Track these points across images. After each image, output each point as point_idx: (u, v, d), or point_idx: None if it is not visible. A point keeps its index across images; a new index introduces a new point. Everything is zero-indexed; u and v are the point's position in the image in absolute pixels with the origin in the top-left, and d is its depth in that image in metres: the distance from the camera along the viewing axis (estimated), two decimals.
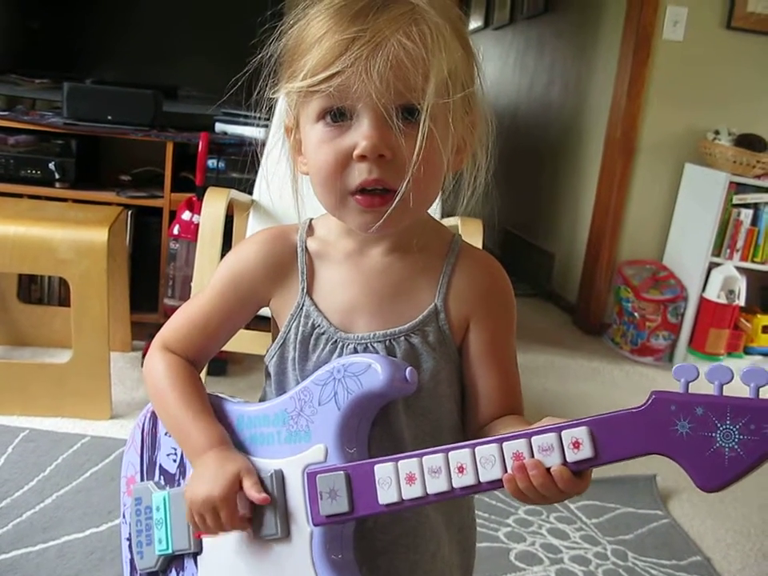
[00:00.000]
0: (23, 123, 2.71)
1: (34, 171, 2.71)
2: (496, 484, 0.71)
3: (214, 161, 2.74)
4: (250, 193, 2.32)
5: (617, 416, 0.68)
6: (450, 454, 0.73)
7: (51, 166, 2.70)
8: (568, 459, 0.69)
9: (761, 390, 0.63)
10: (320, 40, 0.75)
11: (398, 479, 0.74)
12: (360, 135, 0.74)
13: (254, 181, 2.35)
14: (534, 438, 0.70)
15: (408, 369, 0.78)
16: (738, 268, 3.37)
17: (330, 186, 0.79)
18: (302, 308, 0.86)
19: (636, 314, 3.50)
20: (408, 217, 0.79)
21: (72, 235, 2.19)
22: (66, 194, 2.72)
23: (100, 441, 2.13)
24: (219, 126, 2.83)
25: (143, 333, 2.80)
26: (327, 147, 0.77)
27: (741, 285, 3.36)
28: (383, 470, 0.75)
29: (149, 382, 0.92)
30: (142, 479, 0.93)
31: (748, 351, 3.55)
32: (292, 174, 0.89)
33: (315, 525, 0.78)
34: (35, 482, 1.90)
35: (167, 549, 0.88)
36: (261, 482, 0.80)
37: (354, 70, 0.72)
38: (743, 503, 2.27)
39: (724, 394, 0.65)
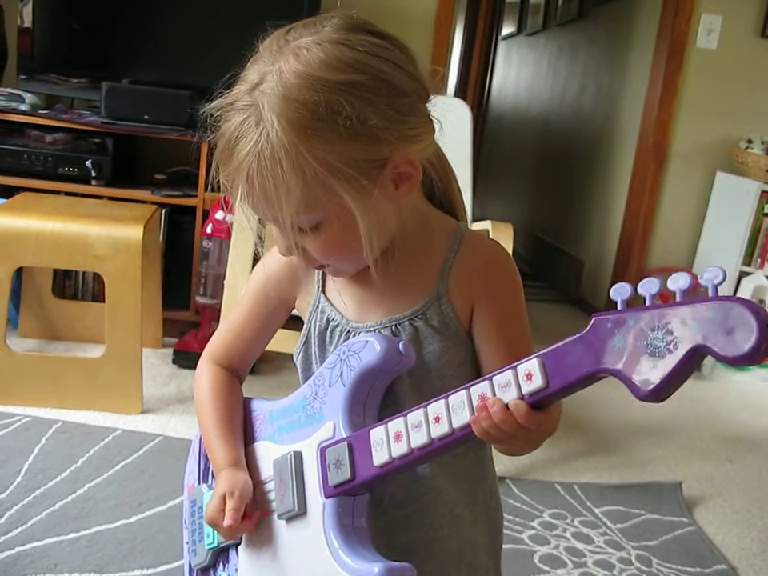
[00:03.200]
0: (62, 122, 2.76)
1: (71, 169, 2.76)
2: (467, 429, 0.74)
3: None
4: None
5: (564, 344, 0.70)
6: (428, 406, 0.76)
7: (88, 163, 2.74)
8: (523, 392, 0.71)
9: (684, 291, 0.65)
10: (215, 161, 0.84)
11: (388, 439, 0.78)
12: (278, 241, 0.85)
13: None
14: (494, 378, 0.73)
15: (401, 342, 0.82)
16: None
17: None
18: (318, 305, 0.92)
19: None
20: (361, 264, 0.85)
21: (108, 232, 2.23)
22: (102, 191, 2.76)
23: (131, 434, 2.16)
24: None
25: (175, 330, 2.85)
26: (273, 233, 0.86)
27: None
28: (377, 433, 0.78)
29: (194, 393, 1.01)
30: (198, 482, 1.00)
31: None
32: None
33: (326, 497, 0.81)
34: (68, 472, 1.93)
35: (213, 542, 0.93)
36: (281, 463, 0.86)
37: (238, 204, 0.82)
38: None
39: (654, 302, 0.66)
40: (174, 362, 2.69)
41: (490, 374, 0.74)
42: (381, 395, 0.85)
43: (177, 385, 2.54)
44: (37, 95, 2.87)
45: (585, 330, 0.69)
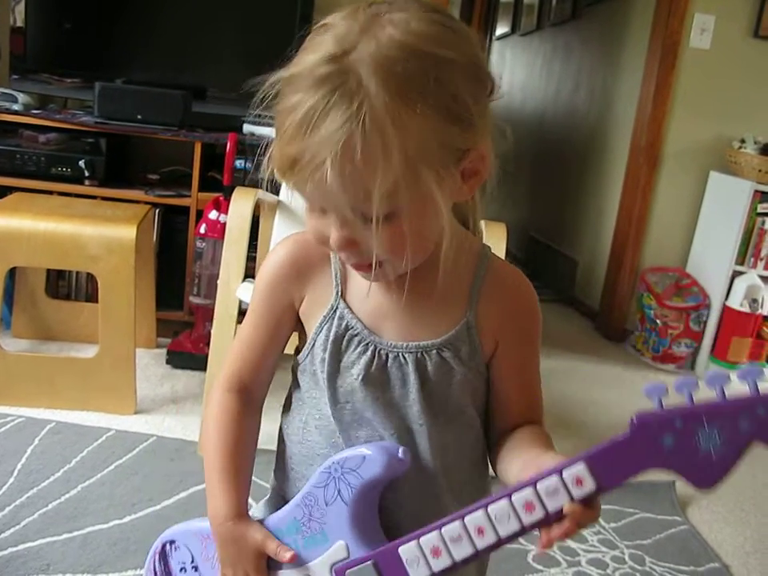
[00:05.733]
0: (55, 121, 2.75)
1: (64, 169, 2.75)
2: (517, 535, 0.74)
3: (242, 161, 2.77)
4: (277, 193, 2.35)
5: (608, 447, 0.73)
6: (466, 519, 0.74)
7: (81, 163, 2.73)
8: (575, 496, 0.72)
9: (725, 389, 0.71)
10: (277, 141, 0.75)
11: (424, 555, 0.76)
12: (330, 227, 0.76)
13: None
14: (539, 485, 0.72)
15: (400, 449, 0.80)
16: (761, 277, 3.36)
17: (322, 247, 0.81)
18: (335, 310, 0.86)
19: (658, 321, 3.49)
20: (405, 268, 0.78)
21: (101, 232, 2.23)
22: (95, 191, 2.75)
23: (124, 435, 2.16)
24: (247, 127, 2.86)
25: (168, 330, 2.84)
26: (312, 225, 0.79)
27: (764, 294, 3.35)
28: (408, 551, 0.76)
29: (206, 419, 0.95)
30: None
31: None
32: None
33: None
34: (61, 473, 1.93)
35: None
36: None
37: (304, 186, 0.73)
38: (763, 511, 2.27)
39: (695, 401, 0.71)
40: (167, 362, 2.68)
41: (531, 480, 0.73)
42: (378, 498, 0.83)
43: (170, 385, 2.53)
44: (30, 95, 2.87)
45: (629, 432, 0.73)
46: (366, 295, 0.84)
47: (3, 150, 2.73)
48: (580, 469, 0.71)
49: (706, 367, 3.48)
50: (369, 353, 0.84)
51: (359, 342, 0.85)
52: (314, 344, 0.87)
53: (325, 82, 0.70)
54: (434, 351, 0.84)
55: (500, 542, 0.74)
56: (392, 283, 0.84)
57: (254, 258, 2.40)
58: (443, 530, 0.75)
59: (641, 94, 3.71)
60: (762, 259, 3.37)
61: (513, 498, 0.73)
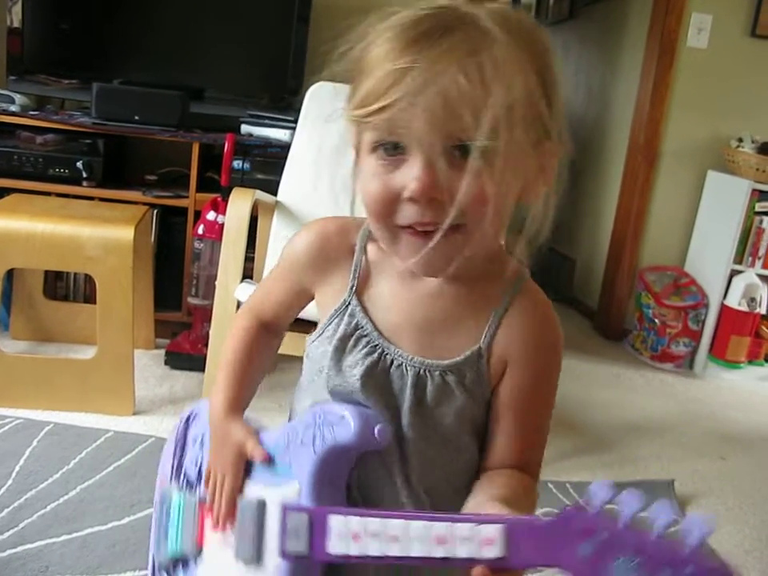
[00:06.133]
0: (52, 122, 2.75)
1: (61, 170, 2.75)
2: (421, 560, 0.69)
3: (240, 162, 2.77)
4: (275, 194, 2.35)
5: (535, 521, 0.66)
6: (389, 521, 0.70)
7: (79, 164, 2.73)
8: (476, 555, 0.66)
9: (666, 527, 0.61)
10: (375, 66, 0.71)
11: (347, 534, 0.72)
12: (410, 176, 0.71)
13: (279, 182, 2.38)
14: (456, 525, 0.67)
15: (378, 426, 0.78)
16: (759, 276, 3.37)
17: (380, 221, 0.76)
18: (347, 305, 0.85)
19: (657, 320, 3.49)
20: (466, 254, 0.75)
21: (99, 233, 2.22)
22: (93, 192, 2.75)
23: (123, 436, 2.16)
24: (245, 128, 2.86)
25: (167, 331, 2.84)
26: (378, 183, 0.74)
27: (762, 292, 3.35)
28: (336, 522, 0.73)
29: (227, 339, 0.97)
30: (170, 480, 0.98)
31: None
32: (352, 193, 0.83)
33: (282, 557, 0.77)
34: (59, 474, 1.93)
35: (177, 548, 0.92)
36: (246, 507, 0.84)
37: (404, 104, 0.68)
38: (762, 510, 2.27)
39: (631, 522, 0.62)
40: (165, 362, 2.68)
41: (454, 516, 0.69)
42: (351, 466, 0.82)
43: (169, 386, 2.53)
44: (27, 96, 2.86)
45: (557, 518, 0.65)
46: (387, 299, 0.84)
47: (1, 151, 2.73)
48: (497, 529, 0.65)
49: (705, 366, 3.48)
50: (375, 355, 0.83)
51: (367, 343, 0.83)
52: (321, 334, 0.86)
53: (434, 18, 0.70)
54: (438, 372, 0.81)
55: (404, 558, 0.69)
56: (411, 295, 0.82)
57: (252, 258, 2.40)
58: (368, 519, 0.71)
59: (638, 93, 3.71)
60: (760, 258, 3.38)
61: (433, 523, 0.68)
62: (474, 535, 0.66)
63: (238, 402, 0.90)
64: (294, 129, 2.47)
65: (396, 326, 0.83)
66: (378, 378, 0.82)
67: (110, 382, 2.27)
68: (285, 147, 2.53)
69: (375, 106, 0.70)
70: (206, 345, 2.08)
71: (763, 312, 3.40)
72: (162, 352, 2.71)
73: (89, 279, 2.78)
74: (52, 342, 2.72)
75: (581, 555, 0.62)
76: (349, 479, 0.83)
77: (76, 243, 2.21)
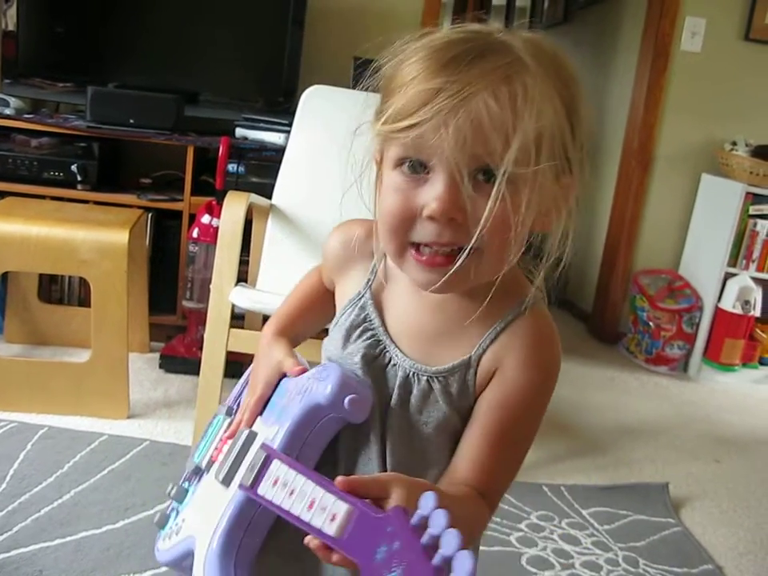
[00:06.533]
0: (47, 126, 2.74)
1: (56, 173, 2.74)
2: (293, 519, 0.68)
3: (234, 165, 2.77)
4: (270, 197, 2.35)
5: (370, 511, 0.64)
6: (299, 477, 0.69)
7: (73, 168, 2.73)
8: (319, 526, 0.65)
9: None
10: (407, 85, 0.71)
11: (272, 479, 0.71)
12: (432, 195, 0.71)
13: (274, 185, 2.38)
14: (323, 495, 0.67)
15: (350, 396, 0.78)
16: (753, 278, 3.38)
17: (393, 235, 0.76)
18: (361, 298, 0.87)
19: (651, 323, 3.50)
20: (474, 280, 0.75)
21: (93, 236, 2.22)
22: (88, 195, 2.75)
23: (117, 439, 2.15)
24: (240, 131, 2.86)
25: (161, 334, 2.84)
26: (398, 198, 0.74)
27: (756, 295, 3.36)
28: (274, 466, 0.72)
29: None
30: (230, 402, 1.03)
31: (763, 362, 3.55)
32: (374, 208, 0.83)
33: (239, 487, 0.77)
34: (53, 478, 1.92)
35: (197, 459, 0.96)
36: (239, 436, 0.86)
37: (433, 124, 0.69)
38: (756, 512, 2.27)
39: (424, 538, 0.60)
40: (160, 366, 2.68)
41: (329, 486, 0.67)
42: (331, 434, 0.82)
43: (163, 389, 2.53)
44: (22, 99, 2.86)
45: (387, 514, 0.63)
46: (397, 303, 0.86)
47: None
48: (343, 507, 0.65)
49: (699, 369, 3.49)
50: (376, 350, 0.85)
51: (371, 336, 0.85)
52: (336, 323, 0.90)
53: (468, 42, 0.71)
54: (425, 377, 0.82)
55: (283, 512, 0.68)
56: (419, 303, 0.83)
57: (247, 262, 2.40)
58: (292, 472, 0.70)
59: (632, 96, 3.72)
60: (754, 261, 3.39)
61: (316, 487, 0.67)
62: (329, 508, 0.65)
63: (287, 332, 0.97)
64: (288, 132, 2.47)
65: (400, 329, 0.85)
66: (374, 371, 0.84)
67: (104, 386, 2.27)
68: (280, 150, 2.53)
69: (405, 123, 0.71)
70: (201, 348, 2.08)
71: (757, 315, 3.41)
72: (157, 355, 2.71)
73: (83, 282, 2.77)
74: (46, 346, 2.72)
75: (375, 559, 0.61)
76: (337, 453, 0.84)
77: (70, 246, 2.21)
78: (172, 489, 0.96)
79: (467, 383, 0.81)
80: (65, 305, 2.87)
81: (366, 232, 0.89)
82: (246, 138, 2.85)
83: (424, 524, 0.59)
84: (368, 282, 0.88)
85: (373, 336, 0.85)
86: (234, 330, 2.05)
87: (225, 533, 0.80)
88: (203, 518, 0.86)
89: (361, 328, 0.86)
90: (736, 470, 2.55)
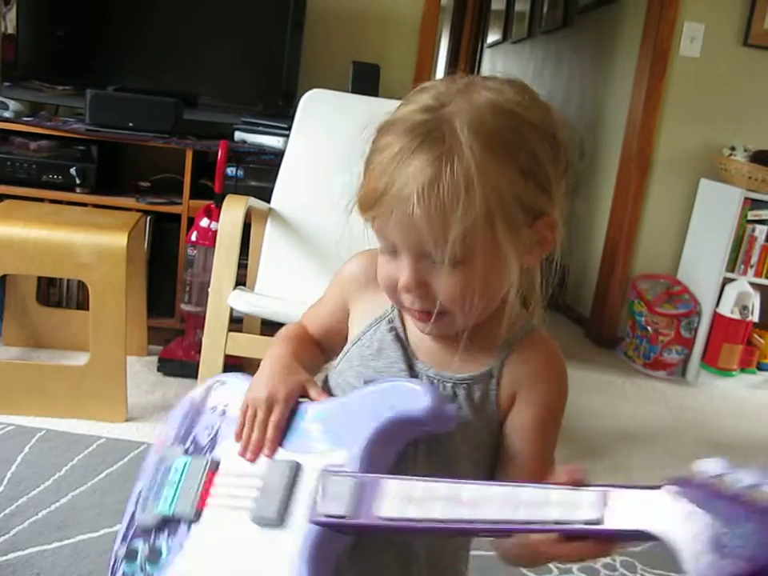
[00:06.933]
0: (46, 129, 2.75)
1: (55, 176, 2.75)
2: (494, 526, 0.69)
3: (233, 169, 2.77)
4: (268, 201, 2.35)
5: (630, 492, 0.67)
6: (463, 486, 0.72)
7: (72, 171, 2.73)
8: (577, 518, 0.67)
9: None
10: (370, 172, 0.79)
11: (402, 497, 0.73)
12: (401, 270, 0.79)
13: (272, 189, 2.38)
14: (552, 492, 0.68)
15: (452, 405, 0.81)
16: (751, 284, 3.38)
17: (389, 297, 0.85)
18: (387, 315, 0.90)
19: (649, 327, 3.50)
20: (462, 327, 0.82)
21: (92, 239, 2.22)
22: (87, 198, 2.75)
23: (115, 443, 2.15)
24: (238, 135, 2.87)
25: (160, 337, 2.84)
26: (383, 270, 0.83)
27: (754, 301, 3.37)
28: (392, 485, 0.74)
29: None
30: (173, 443, 0.96)
31: (761, 367, 3.55)
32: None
33: (312, 522, 0.77)
34: (51, 481, 1.92)
35: (168, 510, 0.89)
36: (279, 467, 0.83)
37: (383, 220, 0.77)
38: None
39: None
40: (158, 369, 2.68)
41: (544, 485, 0.69)
42: (403, 446, 0.82)
43: (162, 392, 2.53)
44: (21, 102, 2.86)
45: (654, 488, 0.66)
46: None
47: None
48: (597, 495, 0.67)
49: (697, 374, 3.49)
50: (409, 362, 0.88)
51: (404, 348, 0.89)
52: (356, 342, 0.91)
53: (419, 127, 0.76)
54: (450, 384, 0.86)
55: (476, 521, 0.69)
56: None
57: (245, 265, 2.40)
58: (437, 485, 0.73)
59: (631, 101, 3.73)
60: (752, 266, 3.39)
61: (518, 489, 0.69)
62: (578, 500, 0.66)
63: (299, 358, 0.93)
64: (287, 136, 2.47)
65: (420, 342, 0.89)
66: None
67: (102, 389, 2.27)
68: (278, 154, 2.53)
69: (365, 215, 0.80)
70: (199, 352, 2.08)
71: (755, 320, 3.41)
72: (155, 359, 2.71)
73: (82, 286, 2.77)
74: (44, 349, 2.72)
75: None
76: (415, 457, 0.83)
77: (69, 250, 2.21)
78: (123, 553, 0.91)
79: (490, 394, 0.86)
80: (63, 308, 2.87)
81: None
82: (244, 142, 2.85)
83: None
84: (395, 306, 0.90)
85: (404, 348, 0.88)
86: (232, 334, 2.06)
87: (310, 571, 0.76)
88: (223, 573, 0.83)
89: (394, 341, 0.89)
90: None
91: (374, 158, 0.79)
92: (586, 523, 0.66)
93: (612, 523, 0.65)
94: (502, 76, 0.82)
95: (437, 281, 0.78)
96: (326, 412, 0.85)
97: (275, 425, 0.86)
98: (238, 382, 0.96)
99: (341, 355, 0.93)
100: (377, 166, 0.77)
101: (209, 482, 0.88)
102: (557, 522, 0.67)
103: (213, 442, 0.92)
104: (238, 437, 0.88)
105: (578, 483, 0.69)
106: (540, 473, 0.83)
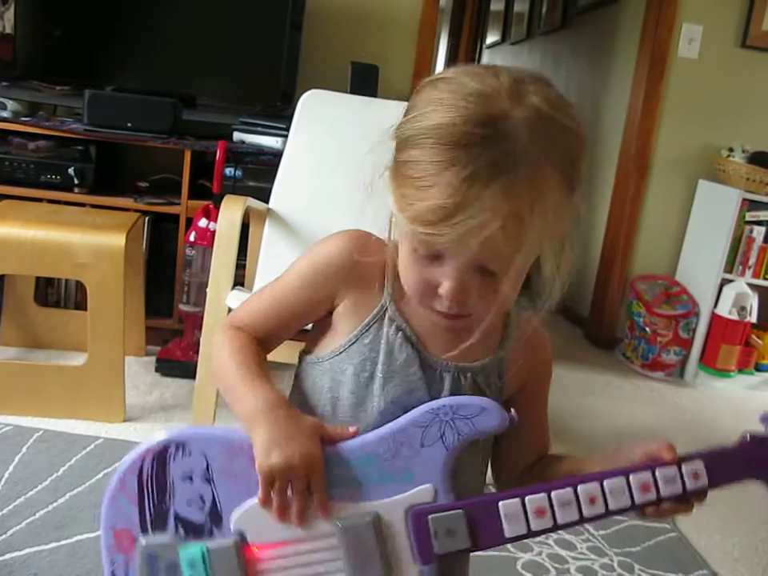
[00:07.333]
0: (44, 129, 2.74)
1: (53, 176, 2.74)
2: (622, 511, 0.82)
3: (232, 169, 2.77)
4: (267, 201, 2.35)
5: (724, 452, 0.85)
6: (579, 487, 0.81)
7: (71, 171, 2.73)
8: (688, 487, 0.83)
9: None
10: (428, 188, 0.73)
11: (525, 513, 0.79)
12: (445, 277, 0.78)
13: (271, 190, 2.38)
14: (658, 471, 0.83)
15: (512, 410, 0.82)
16: (749, 285, 3.38)
17: (416, 299, 0.83)
18: (385, 311, 0.87)
19: (648, 328, 3.50)
20: (482, 321, 0.83)
21: (90, 240, 2.22)
22: (85, 199, 2.75)
23: (113, 443, 2.15)
24: (237, 135, 2.86)
25: (158, 338, 2.84)
26: (416, 273, 0.80)
27: (752, 301, 3.37)
28: (510, 506, 0.79)
29: (213, 357, 0.92)
30: (144, 532, 0.82)
31: (759, 368, 3.55)
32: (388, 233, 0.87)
33: (425, 563, 0.79)
34: (48, 481, 1.92)
35: None
36: (360, 528, 0.80)
37: (450, 239, 0.74)
38: (751, 519, 2.27)
39: None
40: (156, 370, 2.68)
41: (651, 466, 0.84)
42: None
43: (159, 393, 2.53)
44: (19, 102, 2.86)
45: (742, 442, 0.86)
46: (420, 315, 0.86)
47: None
48: (698, 465, 0.83)
49: (695, 375, 3.49)
50: (421, 357, 0.87)
51: (413, 346, 0.87)
52: (356, 341, 0.87)
53: (486, 144, 0.72)
54: (470, 374, 0.88)
55: (605, 514, 0.81)
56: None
57: (244, 266, 2.40)
58: (553, 493, 0.80)
59: (630, 102, 3.73)
60: (750, 267, 3.39)
61: (630, 476, 0.82)
62: (679, 476, 0.83)
63: (285, 397, 0.84)
64: (286, 136, 2.47)
65: (430, 333, 0.87)
66: (428, 378, 0.87)
67: (100, 389, 2.27)
68: (277, 155, 2.53)
69: (428, 230, 0.74)
70: (197, 352, 2.08)
71: (753, 321, 3.41)
72: (153, 359, 2.71)
73: (80, 286, 2.77)
74: (42, 349, 2.72)
75: None
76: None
77: (67, 250, 2.21)
78: None
79: (502, 377, 0.91)
80: (61, 308, 2.87)
81: (369, 240, 0.89)
82: (243, 142, 2.85)
83: None
84: (390, 294, 0.87)
85: (412, 345, 0.87)
86: None
87: None
88: None
89: (399, 338, 0.86)
90: None
91: (419, 169, 0.74)
92: (696, 490, 0.83)
93: (717, 483, 0.84)
94: (525, 70, 0.80)
95: (478, 289, 0.78)
96: (377, 454, 0.81)
97: (320, 490, 0.79)
98: (199, 437, 0.83)
99: (330, 350, 0.89)
100: (438, 181, 0.73)
101: (251, 561, 0.80)
102: (674, 497, 0.83)
103: (216, 515, 0.81)
104: (271, 507, 0.79)
105: (674, 460, 0.84)
106: (547, 438, 0.99)
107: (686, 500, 0.84)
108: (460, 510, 0.79)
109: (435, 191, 0.73)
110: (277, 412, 0.80)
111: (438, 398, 0.84)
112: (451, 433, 0.80)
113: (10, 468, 1.95)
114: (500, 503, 0.79)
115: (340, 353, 0.88)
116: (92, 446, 2.12)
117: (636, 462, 0.85)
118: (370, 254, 0.87)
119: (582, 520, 0.80)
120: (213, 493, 0.81)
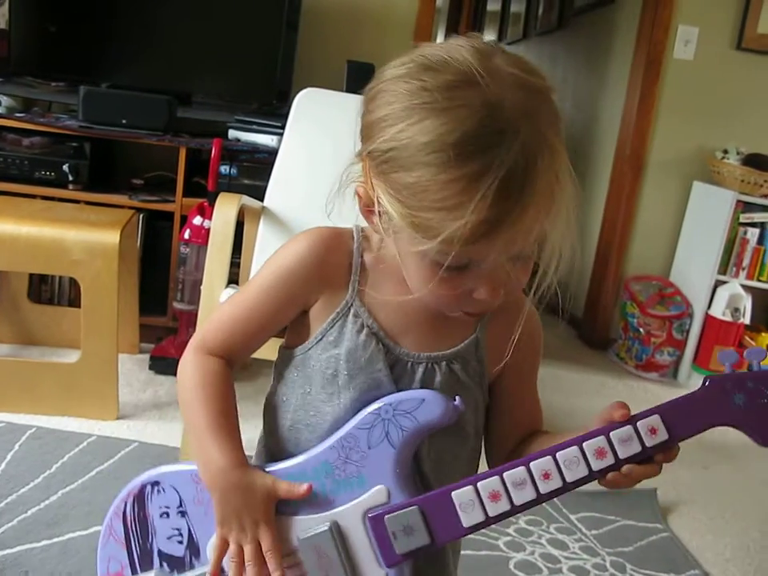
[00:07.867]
0: (39, 125, 2.74)
1: (48, 173, 2.74)
2: (582, 482, 0.78)
3: (227, 167, 2.77)
4: (262, 199, 2.35)
5: (681, 401, 0.80)
6: (531, 464, 0.78)
7: (65, 167, 2.72)
8: (647, 445, 0.78)
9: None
10: (456, 208, 0.68)
11: (480, 500, 0.77)
12: (481, 282, 0.75)
13: (266, 187, 2.38)
14: (611, 434, 0.78)
15: (457, 398, 0.80)
16: (743, 286, 3.39)
17: (446, 310, 0.80)
18: (350, 307, 0.85)
19: (641, 329, 3.51)
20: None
21: (84, 236, 2.22)
22: (79, 195, 2.74)
23: (106, 440, 2.15)
24: (232, 133, 2.86)
25: (152, 335, 2.83)
26: (445, 286, 0.75)
27: (746, 303, 3.37)
28: (462, 495, 0.77)
29: (179, 385, 0.92)
30: (134, 572, 0.87)
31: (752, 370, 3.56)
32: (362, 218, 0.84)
33: (389, 566, 0.79)
34: (41, 479, 1.92)
35: None
36: (319, 538, 0.80)
37: (498, 247, 0.71)
38: (743, 518, 2.28)
39: (762, 368, 0.80)
40: (150, 367, 2.67)
41: (603, 429, 0.79)
42: (417, 447, 0.83)
43: (153, 391, 2.52)
44: (13, 98, 2.85)
45: (701, 389, 0.80)
46: (388, 302, 0.84)
47: None
48: (654, 419, 0.79)
49: (689, 376, 3.50)
50: (388, 353, 0.85)
51: (378, 341, 0.84)
52: (321, 338, 0.86)
53: (497, 142, 0.68)
54: (444, 363, 0.85)
55: (564, 488, 0.78)
56: (415, 301, 0.81)
57: (238, 263, 2.40)
58: (505, 474, 0.77)
59: (625, 103, 3.74)
60: (744, 268, 3.40)
61: (584, 444, 0.78)
62: (635, 434, 0.78)
63: (242, 454, 0.84)
64: (281, 134, 2.47)
65: (399, 326, 0.86)
66: (397, 373, 0.85)
67: (93, 386, 2.26)
68: (272, 153, 2.52)
69: (469, 248, 0.71)
70: None
71: (747, 322, 3.42)
72: (147, 357, 2.71)
73: (74, 283, 2.77)
74: (36, 346, 2.71)
75: (736, 406, 0.79)
76: (420, 456, 0.84)
77: (61, 246, 2.21)
78: None
79: (481, 360, 0.88)
80: (55, 305, 2.86)
81: (333, 236, 0.88)
82: (238, 140, 2.85)
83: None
84: (354, 290, 0.85)
85: (379, 340, 0.84)
86: None
87: None
88: None
89: (363, 334, 0.84)
90: (723, 476, 2.56)
91: (435, 190, 0.69)
92: (657, 446, 0.79)
93: (679, 436, 0.80)
94: (516, 55, 0.77)
95: (516, 276, 0.77)
96: (327, 462, 0.82)
97: (272, 552, 0.81)
98: (170, 472, 0.89)
99: (301, 347, 0.88)
100: (466, 198, 0.68)
101: None
102: (637, 455, 0.79)
103: (194, 546, 0.86)
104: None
105: (624, 417, 0.79)
106: (538, 413, 0.96)
107: (650, 460, 0.80)
108: (415, 507, 0.78)
109: (468, 208, 0.68)
110: (231, 477, 0.82)
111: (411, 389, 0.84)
112: (395, 430, 0.79)
113: (3, 465, 1.95)
114: (452, 493, 0.77)
115: (308, 350, 0.87)
116: (85, 443, 2.11)
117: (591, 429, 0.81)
118: (337, 251, 0.87)
119: (540, 498, 0.77)
120: (188, 525, 0.86)
